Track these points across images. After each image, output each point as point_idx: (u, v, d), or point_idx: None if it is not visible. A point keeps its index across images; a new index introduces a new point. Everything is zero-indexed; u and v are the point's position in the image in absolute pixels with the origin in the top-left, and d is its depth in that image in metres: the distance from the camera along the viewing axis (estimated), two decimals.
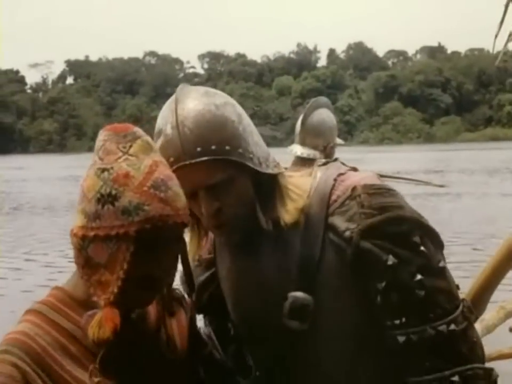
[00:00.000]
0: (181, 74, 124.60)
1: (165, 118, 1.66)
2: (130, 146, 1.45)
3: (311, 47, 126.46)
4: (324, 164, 1.81)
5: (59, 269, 11.58)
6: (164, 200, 1.42)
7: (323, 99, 4.46)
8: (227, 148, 1.62)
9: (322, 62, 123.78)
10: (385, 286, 1.60)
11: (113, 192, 1.41)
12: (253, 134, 1.69)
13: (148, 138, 1.50)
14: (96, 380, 1.46)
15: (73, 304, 1.52)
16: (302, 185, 1.74)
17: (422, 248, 1.61)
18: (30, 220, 20.52)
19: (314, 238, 1.67)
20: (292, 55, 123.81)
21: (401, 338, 1.60)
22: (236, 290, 1.81)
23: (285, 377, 1.76)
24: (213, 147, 1.61)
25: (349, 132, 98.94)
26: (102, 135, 1.48)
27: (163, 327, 1.65)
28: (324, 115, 4.29)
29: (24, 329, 1.47)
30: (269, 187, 1.71)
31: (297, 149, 4.26)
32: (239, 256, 1.78)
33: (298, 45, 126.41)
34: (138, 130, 1.49)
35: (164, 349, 1.62)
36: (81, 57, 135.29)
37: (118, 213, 1.41)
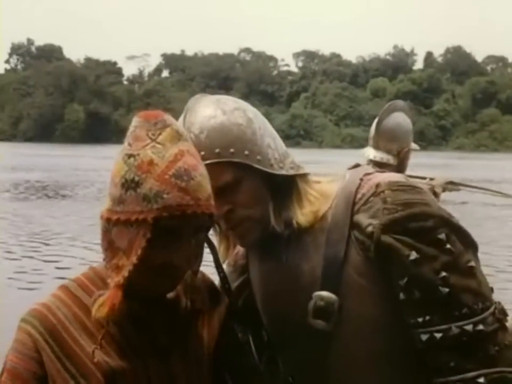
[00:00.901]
0: (275, 72, 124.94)
1: None
2: (159, 134, 1.46)
3: (407, 49, 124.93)
4: (354, 167, 1.80)
5: None
6: (184, 189, 1.42)
7: (400, 102, 4.22)
8: (231, 150, 1.64)
9: (418, 65, 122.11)
10: (407, 281, 1.57)
11: (136, 178, 1.42)
12: (264, 137, 1.70)
13: (178, 127, 1.50)
14: (95, 359, 1.49)
15: (100, 283, 1.55)
16: (325, 190, 1.74)
17: (448, 246, 1.57)
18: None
19: (339, 237, 1.66)
20: (387, 57, 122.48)
21: (424, 337, 1.56)
22: (264, 293, 1.81)
23: (313, 380, 1.73)
24: (217, 150, 1.63)
25: (443, 137, 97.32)
26: (134, 121, 1.50)
27: (194, 320, 1.65)
28: (400, 119, 4.04)
29: (46, 302, 1.54)
30: (285, 188, 1.72)
31: (370, 152, 4.03)
32: (265, 259, 1.78)
33: (395, 46, 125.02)
34: (169, 118, 1.50)
35: (190, 341, 1.62)
36: (177, 51, 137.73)
37: (139, 199, 1.42)
